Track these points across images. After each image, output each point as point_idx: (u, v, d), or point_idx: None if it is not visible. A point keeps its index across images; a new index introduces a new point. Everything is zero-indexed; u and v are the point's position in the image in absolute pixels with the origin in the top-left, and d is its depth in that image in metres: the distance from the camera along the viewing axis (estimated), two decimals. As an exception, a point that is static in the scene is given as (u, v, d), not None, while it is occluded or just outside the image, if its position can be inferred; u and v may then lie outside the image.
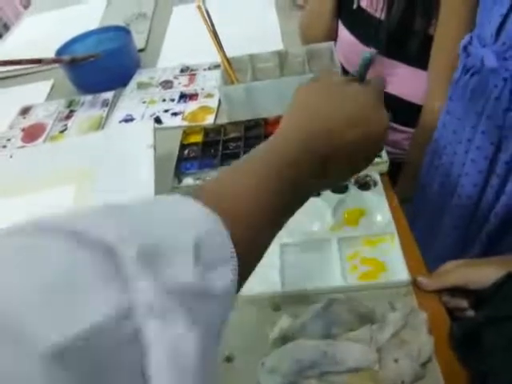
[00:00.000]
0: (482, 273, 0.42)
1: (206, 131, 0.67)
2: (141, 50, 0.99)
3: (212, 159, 0.62)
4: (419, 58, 0.70)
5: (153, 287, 0.18)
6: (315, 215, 0.52)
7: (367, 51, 0.35)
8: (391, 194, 0.54)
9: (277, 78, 0.68)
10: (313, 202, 0.53)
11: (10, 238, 0.19)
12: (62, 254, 0.18)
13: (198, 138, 0.66)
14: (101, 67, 0.84)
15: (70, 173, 0.59)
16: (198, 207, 0.23)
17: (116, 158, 0.58)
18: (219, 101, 0.77)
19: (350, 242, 0.48)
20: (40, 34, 1.17)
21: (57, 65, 0.88)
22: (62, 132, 0.79)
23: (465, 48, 0.55)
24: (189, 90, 0.82)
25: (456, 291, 0.43)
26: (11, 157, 0.64)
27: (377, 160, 0.56)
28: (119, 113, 0.80)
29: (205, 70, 0.87)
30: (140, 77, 0.89)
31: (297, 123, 0.32)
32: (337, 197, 0.53)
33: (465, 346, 0.37)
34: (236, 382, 0.41)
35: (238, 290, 0.24)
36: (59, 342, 0.15)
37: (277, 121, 0.65)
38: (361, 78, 0.36)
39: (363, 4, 0.74)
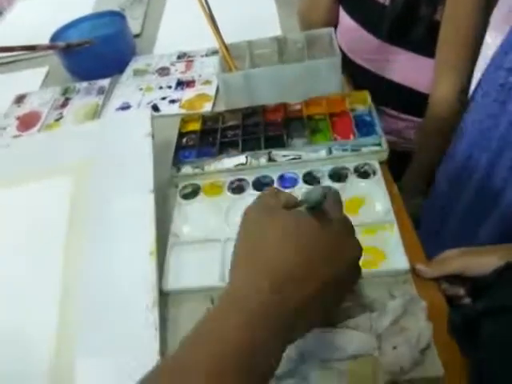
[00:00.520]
0: (483, 261, 0.42)
1: (204, 119, 0.67)
2: (136, 36, 0.97)
3: (211, 147, 0.62)
4: (424, 45, 0.69)
5: None
6: (315, 204, 0.52)
7: (323, 187, 0.31)
8: (390, 183, 0.54)
9: (275, 64, 0.67)
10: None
11: None
12: None
13: (196, 126, 0.66)
14: (96, 53, 0.83)
15: (68, 163, 0.58)
16: None
17: (114, 147, 0.58)
18: (217, 88, 0.76)
19: (350, 231, 0.48)
20: (33, 19, 1.15)
21: (51, 51, 0.87)
22: (57, 120, 0.78)
23: None
24: (186, 76, 0.81)
25: (454, 278, 0.44)
26: (8, 146, 0.63)
27: (376, 148, 0.56)
28: (115, 100, 0.79)
29: (202, 56, 0.86)
30: (136, 64, 0.88)
31: (249, 279, 0.26)
32: (336, 185, 0.53)
33: (463, 333, 0.37)
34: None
35: None
36: None
37: (276, 108, 0.65)
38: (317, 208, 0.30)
39: None
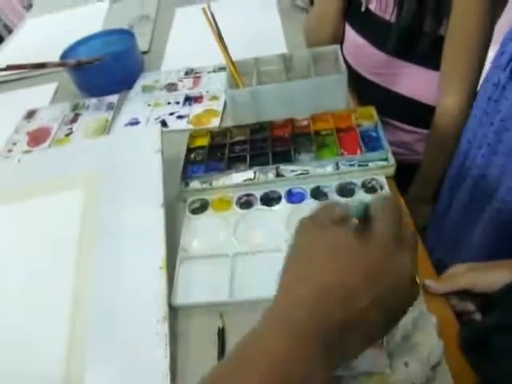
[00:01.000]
0: (492, 276, 0.42)
1: (212, 134, 0.68)
2: (144, 53, 0.99)
3: (219, 162, 0.62)
4: (429, 59, 0.71)
5: None
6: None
7: (360, 203, 0.29)
8: (398, 198, 0.54)
9: (282, 81, 0.69)
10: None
11: None
12: None
13: (204, 142, 0.67)
14: (105, 70, 0.84)
15: (78, 177, 0.59)
16: None
17: (123, 162, 0.58)
18: (224, 103, 0.77)
19: (358, 246, 0.49)
20: (43, 37, 1.17)
21: (61, 68, 0.88)
22: (67, 135, 0.80)
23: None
24: (194, 92, 0.83)
25: (463, 294, 0.44)
26: (19, 161, 0.64)
27: (383, 163, 0.56)
28: (124, 116, 0.80)
29: (209, 72, 0.88)
30: (144, 80, 0.89)
31: (297, 292, 0.26)
32: (343, 201, 0.54)
33: (474, 349, 0.37)
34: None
35: None
36: None
37: (283, 124, 0.66)
38: (363, 223, 0.29)
39: (371, 7, 0.74)
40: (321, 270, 0.27)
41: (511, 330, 0.34)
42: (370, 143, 0.60)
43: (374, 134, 0.62)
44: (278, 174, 0.58)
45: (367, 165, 0.56)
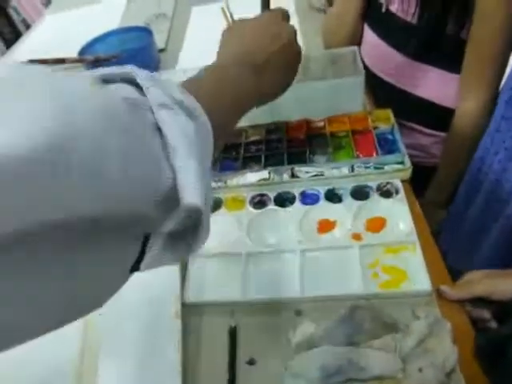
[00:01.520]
0: (504, 283, 0.42)
1: (227, 134, 0.68)
2: (161, 50, 1.00)
3: (233, 162, 0.63)
4: (451, 62, 0.70)
5: (162, 93, 0.24)
6: (336, 222, 0.53)
7: None
8: (413, 202, 0.54)
9: (299, 81, 0.68)
10: (334, 209, 0.54)
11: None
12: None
13: (219, 141, 0.67)
14: (123, 67, 0.85)
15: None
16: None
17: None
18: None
19: (371, 250, 0.48)
20: (61, 33, 1.18)
21: (79, 64, 0.89)
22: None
23: None
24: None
25: (478, 301, 0.43)
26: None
27: (399, 167, 0.56)
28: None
29: (225, 71, 0.88)
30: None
31: (232, 48, 0.42)
32: (357, 204, 0.54)
33: (489, 358, 0.37)
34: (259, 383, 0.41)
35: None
36: None
37: (299, 125, 0.66)
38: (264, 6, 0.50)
39: (393, 8, 0.74)
40: (246, 36, 0.42)
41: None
42: (386, 146, 0.60)
43: (390, 137, 0.61)
44: (293, 175, 0.58)
45: (383, 167, 0.56)
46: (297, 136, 0.64)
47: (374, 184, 0.56)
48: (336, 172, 0.57)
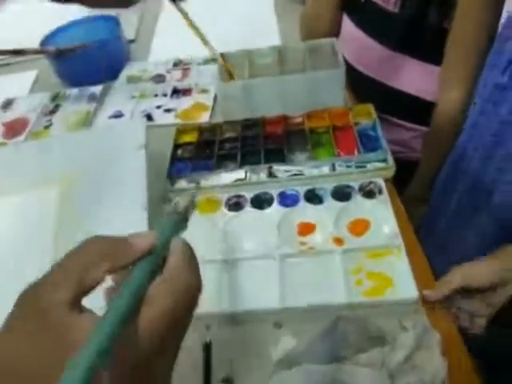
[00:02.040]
0: (485, 267, 0.43)
1: (201, 130, 0.64)
2: (131, 42, 0.94)
3: (207, 160, 0.59)
4: (432, 53, 0.68)
5: None
6: (317, 225, 0.50)
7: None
8: (396, 202, 0.51)
9: (276, 74, 0.65)
10: (314, 211, 0.51)
11: None
12: None
13: (192, 138, 0.63)
14: (88, 59, 0.79)
15: (55, 174, 0.55)
16: None
17: (104, 160, 0.54)
18: (214, 97, 0.73)
19: (354, 255, 0.46)
20: (23, 22, 1.11)
21: (40, 55, 0.83)
22: (46, 128, 0.75)
23: None
24: (182, 84, 0.78)
25: (469, 295, 0.42)
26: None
27: (382, 165, 0.53)
28: (108, 108, 0.76)
29: (199, 64, 0.83)
30: (130, 70, 0.84)
31: None
32: (339, 205, 0.51)
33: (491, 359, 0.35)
34: (235, 406, 0.38)
35: None
36: None
37: (276, 120, 0.62)
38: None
39: None
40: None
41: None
42: (369, 143, 0.57)
43: (372, 133, 0.58)
44: (271, 175, 0.54)
45: (365, 166, 0.53)
46: (274, 132, 0.60)
47: (356, 184, 0.53)
48: (316, 171, 0.54)
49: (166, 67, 0.84)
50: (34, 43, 0.82)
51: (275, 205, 0.52)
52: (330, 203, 0.51)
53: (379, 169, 0.53)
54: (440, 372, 0.35)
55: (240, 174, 0.55)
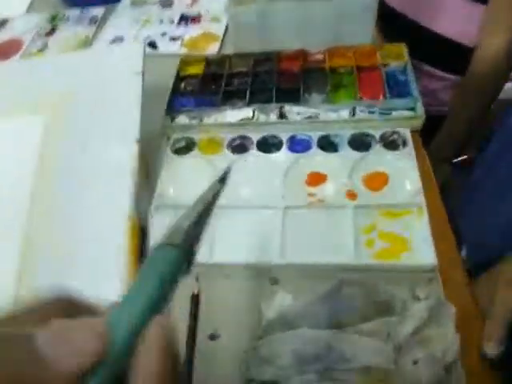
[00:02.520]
0: None
1: (208, 62, 0.57)
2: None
3: (212, 96, 0.52)
4: None
5: None
6: (329, 175, 0.44)
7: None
8: (423, 157, 0.45)
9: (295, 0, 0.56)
10: (327, 160, 0.45)
11: None
12: None
13: (197, 70, 0.56)
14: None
15: (42, 99, 0.49)
16: None
17: (96, 85, 0.48)
18: (226, 27, 0.65)
19: (368, 212, 0.40)
20: None
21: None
22: (40, 51, 0.68)
23: None
24: (191, 11, 0.70)
25: None
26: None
27: (410, 114, 0.46)
28: (108, 32, 0.68)
29: (212, -12, 0.74)
30: (136, -9, 0.76)
31: None
32: (356, 155, 0.45)
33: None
34: (221, 363, 0.35)
35: None
36: None
37: (293, 55, 0.55)
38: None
39: None
40: None
41: None
42: (396, 88, 0.49)
43: (401, 77, 0.51)
44: (282, 116, 0.48)
45: (390, 113, 0.46)
46: (290, 69, 0.53)
47: (377, 133, 0.46)
48: (333, 115, 0.47)
49: (175, -10, 0.75)
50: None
51: (284, 150, 0.46)
52: (346, 152, 0.45)
53: (406, 118, 0.46)
54: (452, 349, 0.31)
55: (247, 112, 0.49)
